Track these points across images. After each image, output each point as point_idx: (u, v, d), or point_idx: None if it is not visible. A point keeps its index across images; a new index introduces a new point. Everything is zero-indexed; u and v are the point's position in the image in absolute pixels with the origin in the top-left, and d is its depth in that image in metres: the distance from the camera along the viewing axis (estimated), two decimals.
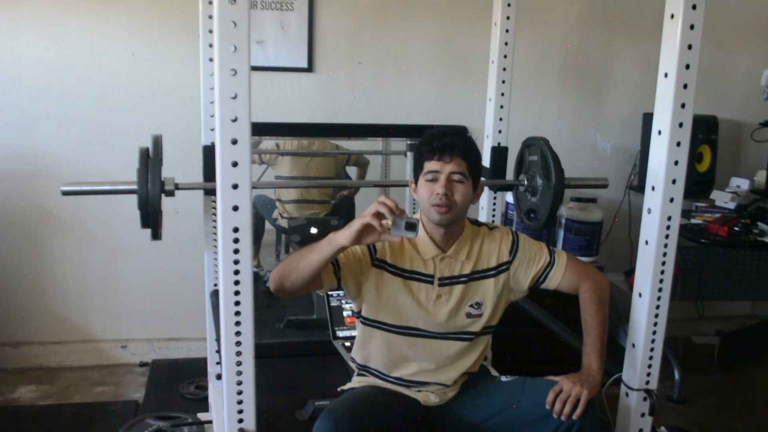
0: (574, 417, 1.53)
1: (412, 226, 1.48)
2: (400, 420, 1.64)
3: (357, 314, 1.76)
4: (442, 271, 1.69)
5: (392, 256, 1.68)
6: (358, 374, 1.82)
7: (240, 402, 1.39)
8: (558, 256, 1.77)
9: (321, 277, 1.59)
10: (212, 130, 1.98)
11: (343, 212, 3.16)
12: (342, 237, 1.47)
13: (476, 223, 1.79)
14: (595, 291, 1.73)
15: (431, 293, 1.69)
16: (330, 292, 2.34)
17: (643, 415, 1.73)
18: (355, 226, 1.46)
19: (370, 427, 1.51)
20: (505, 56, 2.29)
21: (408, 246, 1.69)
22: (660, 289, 1.65)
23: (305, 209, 3.11)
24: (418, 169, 1.67)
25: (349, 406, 1.56)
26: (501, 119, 2.33)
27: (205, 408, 2.63)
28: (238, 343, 1.35)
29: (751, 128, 3.44)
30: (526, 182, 2.25)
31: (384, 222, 1.48)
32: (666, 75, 1.53)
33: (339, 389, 1.81)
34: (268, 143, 3.09)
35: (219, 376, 2.11)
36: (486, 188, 2.39)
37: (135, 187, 1.84)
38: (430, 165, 1.63)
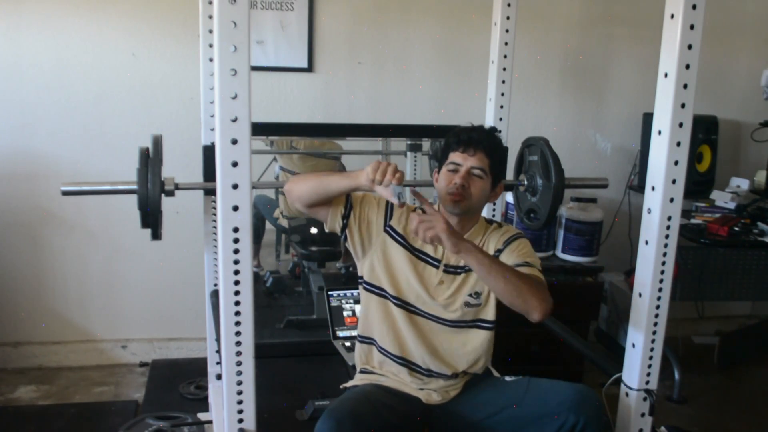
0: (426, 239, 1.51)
1: (399, 195, 1.55)
2: (401, 419, 1.65)
3: (360, 279, 1.78)
4: (448, 259, 1.73)
5: (405, 230, 1.72)
6: (361, 371, 1.82)
7: (240, 402, 1.39)
8: (537, 270, 1.67)
9: (330, 209, 1.69)
10: (212, 130, 1.98)
11: None
12: (364, 178, 1.56)
13: (490, 221, 1.82)
14: (537, 284, 1.60)
15: (434, 277, 1.72)
16: (330, 292, 2.35)
17: (643, 415, 1.73)
18: (367, 169, 1.55)
19: (372, 427, 1.51)
20: (505, 56, 2.29)
21: None
22: (660, 289, 1.66)
23: None
24: (442, 159, 1.74)
25: (351, 405, 1.56)
26: (501, 119, 2.34)
27: (205, 408, 2.63)
28: (238, 343, 1.36)
29: (751, 128, 3.44)
30: (526, 182, 2.25)
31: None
32: (666, 75, 1.53)
33: (341, 386, 1.82)
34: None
35: (219, 376, 2.11)
36: None
37: (135, 187, 1.84)
38: (454, 156, 1.70)
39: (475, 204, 1.71)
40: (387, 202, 1.74)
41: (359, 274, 1.79)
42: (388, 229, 1.73)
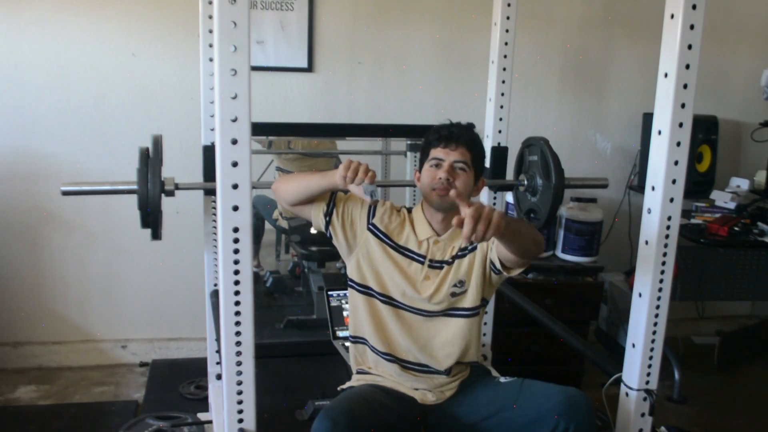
0: (485, 238, 1.38)
1: (371, 193, 1.59)
2: (397, 419, 1.65)
3: (347, 279, 1.80)
4: (433, 254, 1.74)
5: (388, 228, 1.75)
6: (357, 372, 1.83)
7: (240, 402, 1.39)
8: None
9: (313, 208, 1.72)
10: (212, 130, 1.98)
11: None
12: (338, 177, 1.59)
13: None
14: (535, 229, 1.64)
15: (420, 273, 1.73)
16: (330, 292, 2.35)
17: (643, 415, 1.73)
18: (340, 169, 1.59)
19: (368, 426, 1.52)
20: (505, 56, 2.29)
21: (407, 224, 1.77)
22: (660, 289, 1.66)
23: None
24: (423, 157, 1.76)
25: (347, 404, 1.57)
26: (501, 119, 2.33)
27: (205, 408, 2.63)
28: (238, 343, 1.36)
29: (751, 128, 3.44)
30: (526, 182, 2.25)
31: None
32: (666, 75, 1.53)
33: (339, 388, 1.82)
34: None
35: (219, 376, 2.12)
36: (486, 188, 2.39)
37: (135, 187, 1.84)
38: (436, 152, 1.72)
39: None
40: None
41: (347, 273, 1.80)
42: (371, 227, 1.74)
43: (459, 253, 1.74)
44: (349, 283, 1.79)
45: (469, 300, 1.74)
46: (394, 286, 1.73)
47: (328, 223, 1.73)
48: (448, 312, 1.74)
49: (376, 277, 1.74)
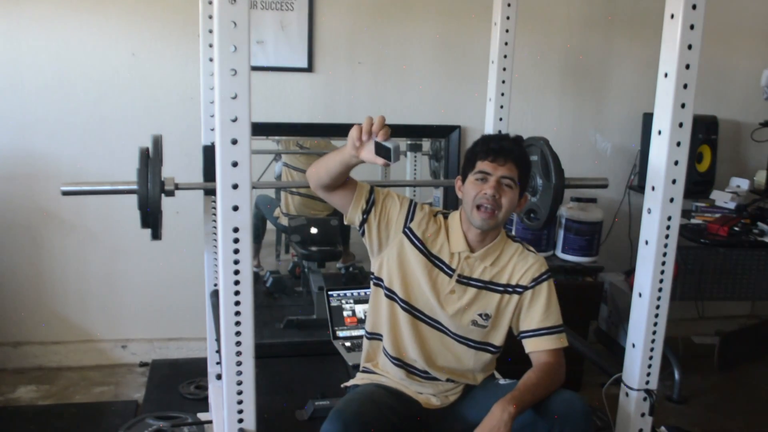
0: None
1: (385, 151, 1.41)
2: (403, 421, 1.65)
3: (371, 275, 1.76)
4: (463, 269, 1.71)
5: (424, 235, 1.70)
6: (362, 371, 1.83)
7: (240, 402, 1.40)
8: (559, 335, 1.72)
9: (351, 201, 1.64)
10: (212, 130, 1.98)
11: None
12: (349, 148, 1.48)
13: (512, 237, 1.79)
14: (556, 374, 1.67)
15: (446, 286, 1.70)
16: (330, 292, 2.35)
17: (643, 415, 1.73)
18: (349, 140, 1.47)
19: (376, 428, 1.52)
20: (505, 56, 2.29)
21: (443, 233, 1.72)
22: (660, 289, 1.66)
23: (309, 206, 3.12)
24: (468, 167, 1.69)
25: (357, 406, 1.56)
26: (501, 119, 2.34)
27: (205, 408, 2.63)
28: (238, 343, 1.36)
29: (751, 128, 3.44)
30: None
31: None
32: (666, 75, 1.53)
33: (342, 386, 1.83)
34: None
35: (219, 376, 2.12)
36: None
37: (135, 187, 1.84)
38: (483, 165, 1.65)
39: (503, 216, 1.67)
40: (410, 203, 1.71)
41: (372, 270, 1.76)
42: (407, 230, 1.70)
43: (492, 285, 1.72)
44: (375, 281, 1.75)
45: (492, 337, 1.74)
46: (420, 293, 1.70)
47: (364, 221, 1.67)
48: (464, 340, 1.73)
49: (402, 281, 1.70)
